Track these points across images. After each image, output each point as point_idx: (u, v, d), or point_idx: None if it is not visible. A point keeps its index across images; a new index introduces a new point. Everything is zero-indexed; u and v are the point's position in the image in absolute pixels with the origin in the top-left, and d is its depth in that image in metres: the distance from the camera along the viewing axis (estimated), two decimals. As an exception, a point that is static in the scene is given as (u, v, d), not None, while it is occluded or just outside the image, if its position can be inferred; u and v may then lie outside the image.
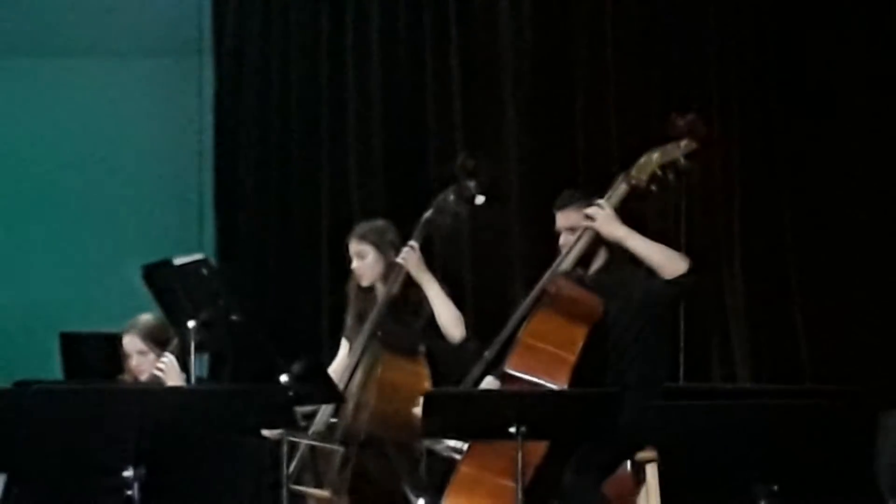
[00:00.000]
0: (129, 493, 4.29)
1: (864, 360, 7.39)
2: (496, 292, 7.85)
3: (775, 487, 4.38)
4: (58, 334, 7.98)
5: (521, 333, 5.90)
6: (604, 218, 5.94)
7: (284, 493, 5.97)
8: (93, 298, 8.40)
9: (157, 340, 6.28)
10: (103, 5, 8.99)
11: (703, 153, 6.05)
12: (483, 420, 5.46)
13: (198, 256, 6.03)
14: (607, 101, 8.04)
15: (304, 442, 6.28)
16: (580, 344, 5.79)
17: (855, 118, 7.68)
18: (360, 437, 6.22)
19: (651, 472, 5.81)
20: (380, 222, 6.55)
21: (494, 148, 8.12)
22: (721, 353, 7.78)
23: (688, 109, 6.19)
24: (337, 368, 6.44)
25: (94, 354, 7.55)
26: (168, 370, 6.08)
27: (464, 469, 5.81)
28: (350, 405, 6.30)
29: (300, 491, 6.32)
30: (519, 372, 5.81)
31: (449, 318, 6.24)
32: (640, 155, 6.02)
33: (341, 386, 6.23)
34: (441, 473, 6.00)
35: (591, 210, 5.97)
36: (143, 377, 6.26)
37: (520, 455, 5.33)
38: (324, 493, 6.28)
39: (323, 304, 8.42)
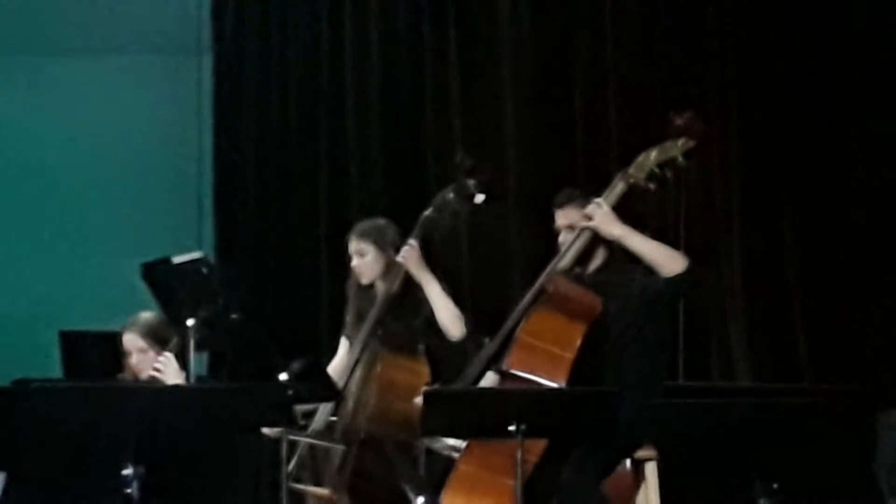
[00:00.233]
0: (129, 491, 4.28)
1: (863, 359, 7.40)
2: (495, 291, 7.85)
3: (775, 486, 4.38)
4: (57, 332, 7.98)
5: (519, 332, 5.88)
6: (602, 216, 5.93)
7: (284, 491, 5.97)
8: (92, 297, 8.39)
9: (157, 338, 6.27)
10: (104, 5, 9.00)
11: (701, 151, 6.05)
12: (482, 418, 5.45)
13: (197, 255, 6.03)
14: (606, 101, 8.05)
15: (304, 440, 6.28)
16: (578, 342, 5.78)
17: (854, 118, 7.69)
18: (359, 435, 6.21)
19: (650, 470, 5.81)
20: (380, 221, 6.55)
21: (493, 147, 8.13)
22: (720, 351, 7.78)
23: (685, 108, 6.19)
24: (336, 367, 6.44)
25: (94, 353, 7.54)
26: (165, 369, 6.08)
27: (462, 467, 5.79)
28: (349, 404, 6.30)
29: (300, 489, 6.33)
30: (517, 370, 5.80)
31: (448, 317, 6.24)
32: (638, 153, 6.03)
33: (341, 384, 6.23)
34: (440, 472, 6.00)
35: (589, 208, 5.96)
36: (144, 375, 6.24)
37: (520, 453, 5.33)
38: (323, 491, 6.28)
39: (322, 302, 8.43)
